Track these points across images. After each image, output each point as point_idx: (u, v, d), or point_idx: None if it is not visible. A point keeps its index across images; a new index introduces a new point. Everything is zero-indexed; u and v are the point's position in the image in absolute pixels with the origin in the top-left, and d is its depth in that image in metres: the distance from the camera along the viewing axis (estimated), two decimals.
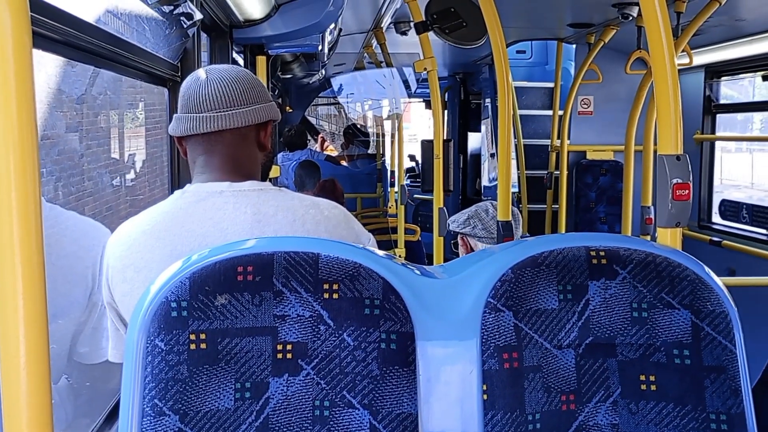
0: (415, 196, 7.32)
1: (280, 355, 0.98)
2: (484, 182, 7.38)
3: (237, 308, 0.98)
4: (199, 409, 0.96)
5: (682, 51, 3.74)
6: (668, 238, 1.28)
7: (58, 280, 1.51)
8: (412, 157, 9.29)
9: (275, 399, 0.98)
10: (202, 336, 0.97)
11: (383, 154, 7.18)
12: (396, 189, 5.57)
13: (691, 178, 1.23)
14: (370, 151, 7.67)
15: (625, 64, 4.19)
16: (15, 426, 0.64)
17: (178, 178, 2.15)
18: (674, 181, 1.22)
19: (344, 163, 7.22)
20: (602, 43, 4.45)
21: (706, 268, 1.07)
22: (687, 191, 1.23)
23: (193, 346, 0.96)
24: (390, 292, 1.01)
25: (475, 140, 8.12)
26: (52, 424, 0.66)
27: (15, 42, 0.60)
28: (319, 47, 2.98)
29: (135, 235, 1.38)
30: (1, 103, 0.60)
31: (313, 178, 4.85)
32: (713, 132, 5.06)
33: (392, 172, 5.83)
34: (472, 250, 2.50)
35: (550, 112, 5.65)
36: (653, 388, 1.03)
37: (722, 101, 5.10)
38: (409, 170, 9.03)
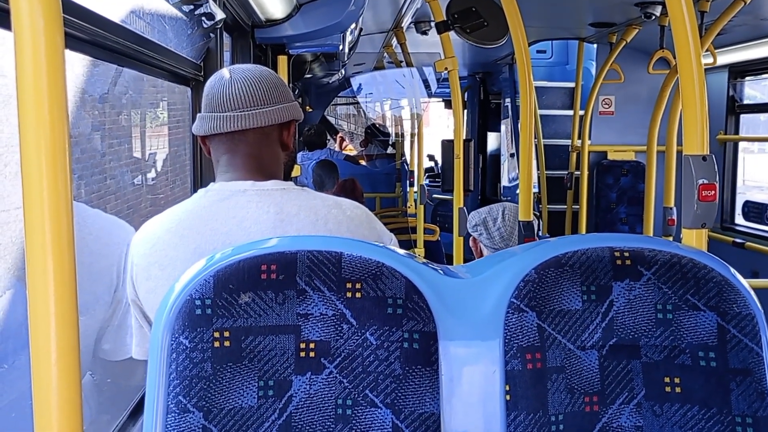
0: (434, 195, 7.31)
1: (303, 354, 0.99)
2: (504, 182, 7.35)
3: (260, 306, 0.98)
4: (223, 407, 0.97)
5: (706, 50, 3.71)
6: (693, 239, 1.27)
7: (82, 278, 1.52)
8: (431, 157, 9.28)
9: (298, 397, 0.98)
10: (226, 334, 0.97)
11: (403, 154, 7.18)
12: (415, 189, 5.57)
13: (717, 179, 1.22)
14: (389, 151, 7.67)
15: (647, 64, 4.16)
16: (45, 421, 0.65)
17: (200, 177, 2.16)
18: (700, 181, 1.21)
19: (363, 162, 7.22)
20: (624, 42, 4.42)
21: (732, 270, 1.06)
22: (713, 192, 1.22)
23: (217, 344, 0.97)
24: (413, 291, 1.01)
25: (494, 140, 8.10)
26: (81, 420, 0.67)
27: (48, 43, 0.60)
28: (340, 47, 2.98)
29: (159, 233, 1.39)
30: (34, 104, 0.61)
31: (332, 178, 4.86)
32: (737, 132, 5.01)
33: (411, 171, 5.83)
34: (481, 252, 2.50)
35: (570, 112, 5.61)
36: (678, 390, 1.03)
37: (746, 101, 5.04)
38: (428, 170, 9.02)
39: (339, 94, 8.60)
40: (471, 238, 2.53)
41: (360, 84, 7.82)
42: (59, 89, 0.62)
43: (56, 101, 0.62)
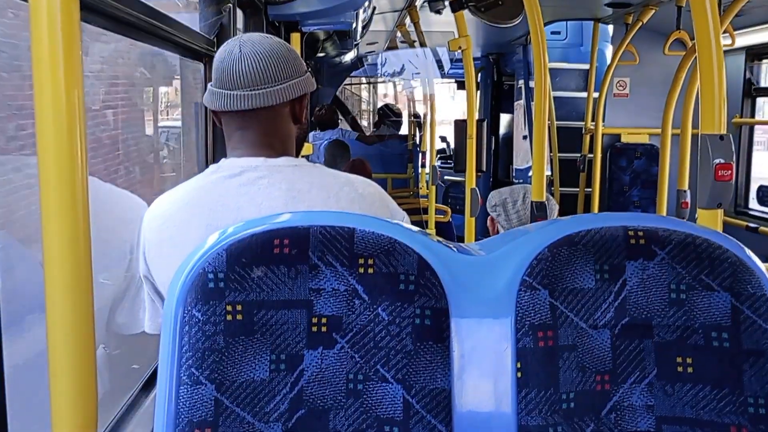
0: (446, 177, 7.29)
1: (314, 328, 0.99)
2: (517, 164, 7.32)
3: (273, 281, 0.98)
4: (235, 379, 0.97)
5: (724, 31, 3.66)
6: (708, 220, 1.26)
7: (95, 252, 1.53)
8: (443, 138, 9.25)
9: (310, 371, 0.99)
10: (239, 307, 0.98)
11: (414, 135, 7.16)
12: (427, 170, 5.55)
13: (734, 159, 1.21)
14: (401, 132, 7.65)
15: (662, 45, 4.11)
16: (61, 392, 0.65)
17: (214, 153, 2.16)
18: (716, 161, 1.20)
19: (376, 142, 7.20)
20: (640, 23, 4.37)
21: (747, 251, 1.05)
22: (729, 172, 1.21)
23: (229, 317, 0.97)
24: (425, 268, 1.01)
25: (507, 121, 8.06)
26: (96, 391, 0.67)
27: (63, 16, 0.60)
28: (353, 25, 2.96)
29: (171, 209, 1.39)
30: (50, 77, 0.61)
31: (344, 158, 4.87)
32: (753, 116, 4.95)
33: (423, 152, 5.82)
34: (497, 232, 2.50)
35: (584, 94, 5.57)
36: (690, 370, 1.02)
37: (763, 84, 4.99)
38: (440, 151, 8.99)
39: (351, 74, 8.56)
40: (489, 218, 2.54)
41: (373, 63, 7.78)
42: (75, 62, 0.62)
43: (72, 74, 0.62)
